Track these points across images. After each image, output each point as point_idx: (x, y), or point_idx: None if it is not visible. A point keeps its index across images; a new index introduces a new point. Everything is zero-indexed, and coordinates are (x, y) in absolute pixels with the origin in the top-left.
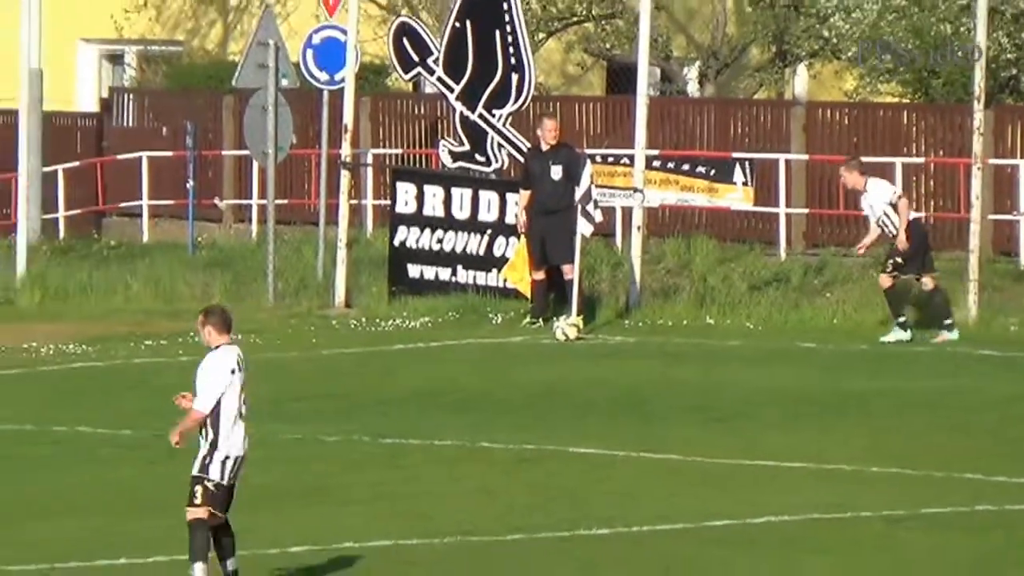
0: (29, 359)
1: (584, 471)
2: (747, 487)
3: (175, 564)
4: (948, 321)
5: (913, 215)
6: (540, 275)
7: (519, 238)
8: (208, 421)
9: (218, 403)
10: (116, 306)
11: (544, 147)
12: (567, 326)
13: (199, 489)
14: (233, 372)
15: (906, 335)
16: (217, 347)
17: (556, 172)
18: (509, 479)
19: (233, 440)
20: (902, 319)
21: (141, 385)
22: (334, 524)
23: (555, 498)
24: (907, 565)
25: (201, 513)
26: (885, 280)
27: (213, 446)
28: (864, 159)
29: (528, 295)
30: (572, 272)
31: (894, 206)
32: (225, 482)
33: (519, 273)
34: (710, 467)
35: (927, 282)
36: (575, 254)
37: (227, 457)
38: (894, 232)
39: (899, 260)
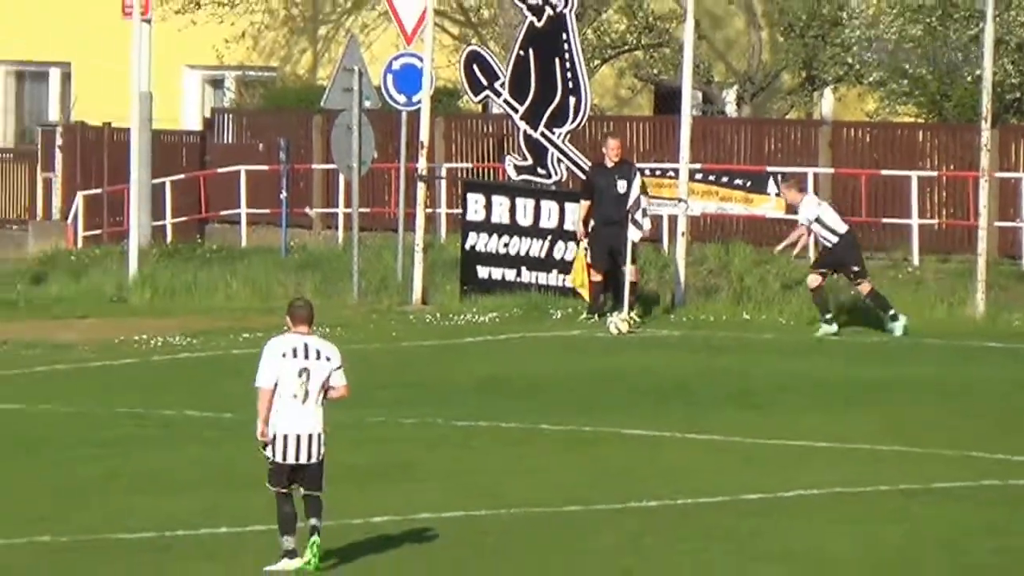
0: (141, 350)
1: (635, 450)
2: (780, 464)
3: (270, 533)
4: (829, 316)
5: (844, 228)
6: (598, 277)
7: (578, 244)
8: None
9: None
10: (217, 303)
11: (609, 163)
12: (619, 321)
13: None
14: (285, 356)
15: (833, 328)
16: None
17: (621, 186)
18: (567, 457)
19: (283, 419)
20: (828, 315)
21: (240, 373)
22: (413, 498)
23: (609, 474)
24: (920, 534)
25: (272, 489)
26: (813, 279)
27: (271, 423)
28: (884, 172)
29: (587, 297)
30: (631, 274)
31: (813, 222)
32: (279, 460)
33: (580, 277)
34: (747, 447)
35: (863, 288)
36: (634, 257)
37: (275, 436)
38: (827, 244)
39: (829, 262)
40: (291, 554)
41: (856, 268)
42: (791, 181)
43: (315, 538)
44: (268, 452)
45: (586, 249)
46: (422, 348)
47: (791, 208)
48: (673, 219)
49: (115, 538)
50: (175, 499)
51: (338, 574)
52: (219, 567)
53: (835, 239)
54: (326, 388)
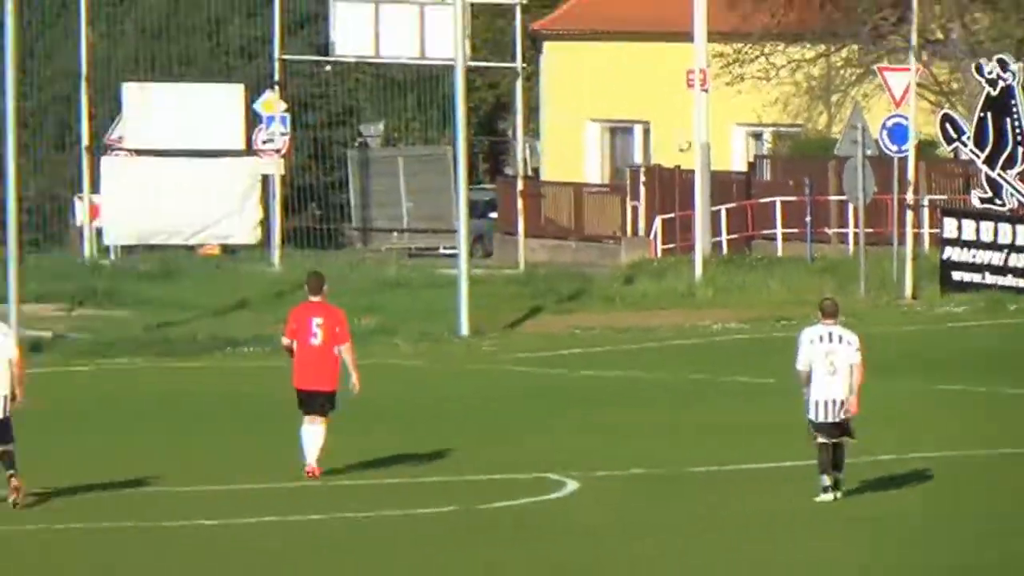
0: (705, 332)
1: None
2: None
3: (801, 468)
4: None
5: None
6: None
7: None
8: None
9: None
10: (761, 298)
11: None
12: None
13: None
14: (813, 342)
15: None
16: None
17: None
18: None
19: (818, 389)
20: None
21: (779, 351)
22: (903, 442)
23: None
24: None
25: (815, 440)
26: None
27: (808, 393)
28: None
29: None
30: None
31: None
32: (817, 419)
33: None
34: None
35: None
36: None
37: (816, 401)
38: None
39: None
40: (826, 490)
41: None
42: None
43: (836, 494)
44: (809, 414)
45: None
46: (911, 332)
47: None
48: None
49: (690, 471)
50: (733, 443)
51: (848, 500)
52: (765, 495)
53: None
54: (852, 366)
